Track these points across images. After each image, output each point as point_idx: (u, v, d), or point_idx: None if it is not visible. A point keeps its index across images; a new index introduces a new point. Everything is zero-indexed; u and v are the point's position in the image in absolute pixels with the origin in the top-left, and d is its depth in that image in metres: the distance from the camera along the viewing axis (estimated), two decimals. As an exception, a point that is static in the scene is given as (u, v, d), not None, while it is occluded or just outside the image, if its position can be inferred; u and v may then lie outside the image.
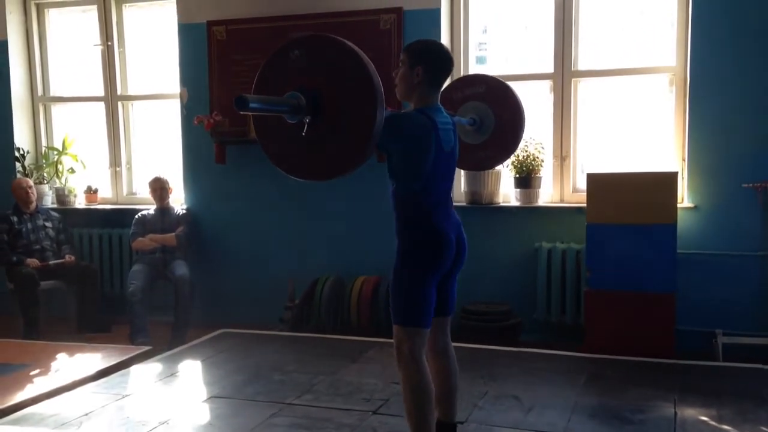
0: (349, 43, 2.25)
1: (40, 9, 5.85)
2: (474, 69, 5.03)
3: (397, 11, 4.78)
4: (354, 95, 2.20)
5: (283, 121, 2.26)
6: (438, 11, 4.76)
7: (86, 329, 5.12)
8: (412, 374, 2.52)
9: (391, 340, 2.59)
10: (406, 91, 2.59)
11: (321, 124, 2.24)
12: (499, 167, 4.70)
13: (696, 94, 4.38)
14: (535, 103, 4.91)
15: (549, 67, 4.80)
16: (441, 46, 2.66)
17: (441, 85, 2.61)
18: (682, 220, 4.28)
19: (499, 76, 4.93)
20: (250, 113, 2.26)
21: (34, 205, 5.31)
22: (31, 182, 5.38)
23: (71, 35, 5.91)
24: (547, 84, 4.83)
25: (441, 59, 2.59)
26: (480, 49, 5.10)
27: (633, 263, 4.13)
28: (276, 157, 2.40)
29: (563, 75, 4.75)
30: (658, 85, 4.68)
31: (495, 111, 3.31)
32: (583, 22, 4.76)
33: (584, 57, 4.77)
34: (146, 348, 4.39)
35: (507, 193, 4.86)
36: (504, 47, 5.04)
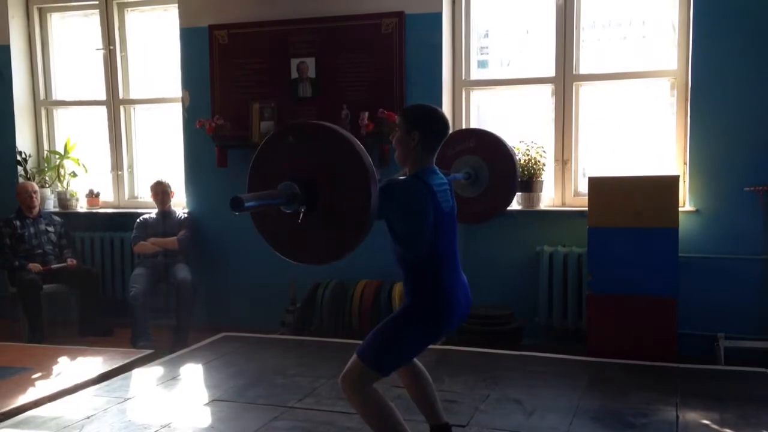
0: (342, 131, 2.26)
1: (42, 13, 5.87)
2: (476, 73, 5.05)
3: (399, 15, 4.79)
4: (347, 185, 2.21)
5: (280, 210, 2.28)
6: (439, 15, 4.77)
7: (88, 332, 5.14)
8: (361, 406, 2.50)
9: None
10: (403, 155, 2.59)
11: (316, 212, 2.26)
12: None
13: (697, 97, 4.38)
14: (537, 107, 4.93)
15: (550, 71, 4.80)
16: (437, 111, 2.64)
17: (437, 149, 2.60)
18: (684, 224, 4.28)
19: (501, 80, 5.03)
20: (247, 211, 2.26)
21: (37, 209, 5.32)
22: (36, 187, 5.38)
23: (73, 39, 5.92)
24: (548, 88, 4.84)
25: (437, 124, 2.58)
26: (481, 54, 5.12)
27: (634, 267, 4.13)
28: (275, 243, 2.44)
29: (564, 79, 4.76)
30: (660, 89, 4.69)
31: (488, 162, 3.41)
32: (584, 26, 4.76)
33: (586, 61, 4.78)
34: (148, 351, 4.39)
35: (508, 196, 4.86)
36: (505, 51, 5.05)
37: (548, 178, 4.82)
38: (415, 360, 2.73)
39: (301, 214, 2.28)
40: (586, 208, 4.29)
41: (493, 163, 3.42)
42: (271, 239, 2.47)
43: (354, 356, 2.52)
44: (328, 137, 2.26)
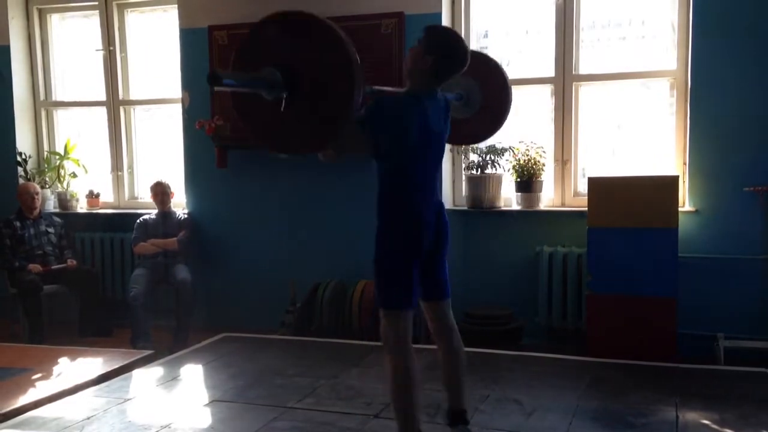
0: (327, 21, 2.25)
1: (42, 14, 5.87)
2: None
3: (399, 16, 4.78)
4: (330, 72, 2.19)
5: (262, 98, 2.25)
6: (439, 15, 4.76)
7: (88, 333, 5.14)
8: (393, 358, 2.56)
9: None
10: (410, 71, 2.58)
11: (298, 100, 2.23)
12: (500, 171, 4.75)
13: (697, 97, 4.38)
14: (537, 107, 4.93)
15: (550, 71, 4.80)
16: (458, 43, 2.60)
17: (444, 81, 2.61)
18: (683, 224, 4.28)
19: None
20: (225, 89, 2.24)
21: (38, 210, 5.32)
22: (38, 188, 5.38)
23: (73, 40, 5.92)
24: (548, 88, 4.84)
25: (454, 58, 2.56)
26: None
27: (634, 267, 4.13)
28: (257, 134, 2.41)
29: (564, 79, 4.76)
30: (659, 89, 4.68)
31: (480, 82, 3.28)
32: (584, 26, 4.76)
33: (585, 61, 4.78)
34: (148, 352, 4.40)
35: (508, 197, 4.87)
36: (505, 51, 5.04)
37: (548, 178, 4.81)
38: (457, 335, 2.79)
39: (284, 102, 2.24)
40: (586, 209, 4.29)
41: (485, 82, 3.28)
42: (254, 130, 2.43)
43: (379, 311, 2.61)
44: (314, 25, 2.23)
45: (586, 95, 4.81)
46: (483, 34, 5.11)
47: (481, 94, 3.30)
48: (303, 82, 2.22)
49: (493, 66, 3.39)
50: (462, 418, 2.81)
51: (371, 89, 2.54)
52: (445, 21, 4.83)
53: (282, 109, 2.26)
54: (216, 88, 2.13)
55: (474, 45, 5.01)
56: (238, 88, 2.28)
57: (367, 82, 2.37)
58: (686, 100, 4.45)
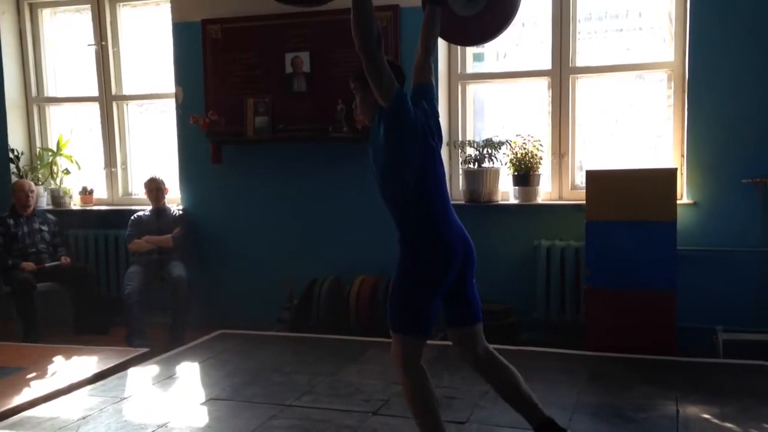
0: None
1: (33, 9, 5.80)
2: (472, 66, 5.01)
3: (394, 8, 4.74)
4: None
5: None
6: (434, 8, 4.71)
7: (83, 331, 5.09)
8: (408, 387, 2.51)
9: (390, 340, 2.57)
10: (370, 114, 2.60)
11: None
12: (497, 165, 4.71)
13: (694, 90, 4.35)
14: (534, 100, 4.91)
15: (547, 64, 4.77)
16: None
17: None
18: (682, 217, 4.26)
19: (497, 73, 5.00)
20: None
21: (31, 208, 5.27)
22: (33, 186, 5.33)
23: (65, 35, 5.86)
24: (545, 81, 4.81)
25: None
26: (477, 46, 5.07)
27: (633, 260, 4.11)
28: None
29: (561, 72, 4.73)
30: (657, 81, 4.66)
31: None
32: (580, 18, 4.73)
33: (582, 53, 4.75)
34: (143, 350, 4.36)
35: (506, 190, 4.83)
36: (502, 44, 5.01)
37: (545, 171, 4.79)
38: (497, 357, 2.66)
39: None
40: (584, 202, 4.27)
41: None
42: None
43: (392, 334, 2.53)
44: None
45: (583, 87, 4.77)
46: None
47: None
48: None
49: None
50: (555, 426, 2.64)
51: None
52: (441, 13, 4.78)
53: None
54: None
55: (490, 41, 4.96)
56: None
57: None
58: (684, 92, 4.43)
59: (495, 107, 5.19)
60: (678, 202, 4.22)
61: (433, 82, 2.80)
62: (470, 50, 5.00)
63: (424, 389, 2.51)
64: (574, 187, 4.78)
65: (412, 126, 2.50)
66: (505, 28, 3.15)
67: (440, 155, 2.66)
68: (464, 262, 2.61)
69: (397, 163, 2.51)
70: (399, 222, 2.58)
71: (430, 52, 2.80)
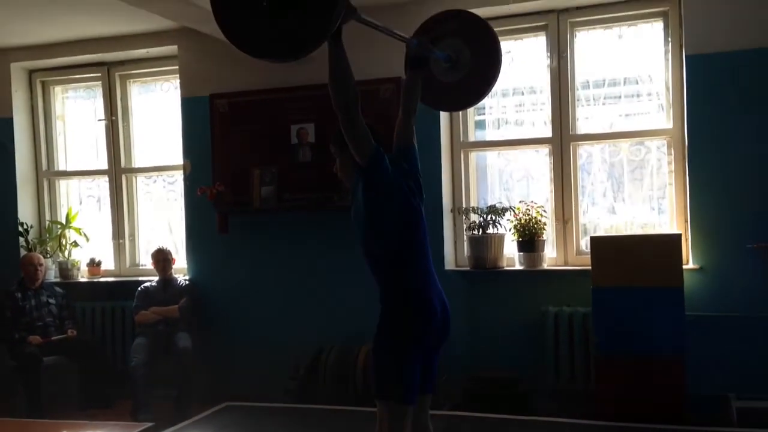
0: None
1: (45, 86, 5.96)
2: (474, 135, 5.09)
3: (396, 80, 4.85)
4: None
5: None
6: (436, 80, 4.82)
7: (88, 405, 5.04)
8: None
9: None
10: (351, 175, 2.64)
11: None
12: (501, 231, 4.73)
13: (695, 157, 4.39)
14: (536, 166, 4.97)
15: (548, 132, 4.84)
16: None
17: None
18: (689, 282, 4.24)
19: (499, 141, 5.07)
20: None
21: (40, 281, 5.29)
22: (42, 259, 5.36)
23: (76, 110, 6.00)
24: (546, 148, 4.87)
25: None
26: (479, 114, 5.16)
27: (641, 326, 4.07)
28: (234, 34, 2.30)
29: (562, 139, 4.79)
30: (656, 148, 4.71)
31: (470, 44, 3.13)
32: (579, 86, 4.82)
33: (582, 120, 4.82)
34: (149, 424, 4.27)
35: (511, 256, 4.84)
36: (502, 113, 5.10)
37: (549, 237, 4.80)
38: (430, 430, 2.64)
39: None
40: (589, 267, 4.26)
41: (475, 43, 3.13)
42: (230, 29, 2.32)
43: (376, 403, 2.50)
44: None
45: (585, 152, 4.84)
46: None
47: (470, 53, 3.12)
48: None
49: (480, 22, 3.20)
50: None
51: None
52: (443, 85, 4.89)
53: (264, 3, 2.21)
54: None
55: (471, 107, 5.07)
56: None
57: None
58: (684, 159, 4.47)
59: (498, 174, 5.22)
60: (684, 267, 4.20)
61: (414, 144, 2.84)
62: (472, 118, 5.09)
63: None
64: (579, 252, 4.78)
65: (389, 184, 2.52)
66: (486, 95, 3.28)
67: (422, 214, 2.66)
68: (441, 328, 2.60)
69: (376, 220, 2.52)
70: (379, 279, 2.59)
71: (411, 115, 2.86)
